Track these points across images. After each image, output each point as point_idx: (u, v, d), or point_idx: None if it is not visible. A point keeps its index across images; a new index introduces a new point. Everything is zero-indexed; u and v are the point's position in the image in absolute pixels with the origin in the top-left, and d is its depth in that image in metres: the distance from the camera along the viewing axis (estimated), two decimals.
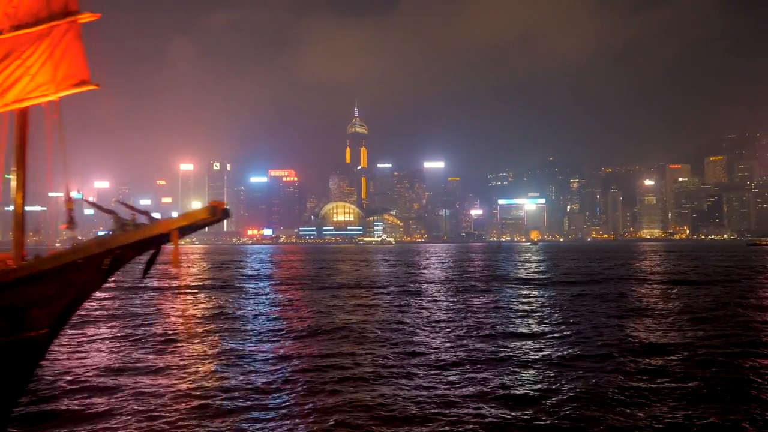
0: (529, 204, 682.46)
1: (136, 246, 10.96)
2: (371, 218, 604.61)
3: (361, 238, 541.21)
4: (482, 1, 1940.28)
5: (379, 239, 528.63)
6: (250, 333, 27.54)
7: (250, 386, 17.69)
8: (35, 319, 11.36)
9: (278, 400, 16.38)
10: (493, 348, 23.23)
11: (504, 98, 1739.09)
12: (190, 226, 10.86)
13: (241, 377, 18.80)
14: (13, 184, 12.76)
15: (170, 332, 27.94)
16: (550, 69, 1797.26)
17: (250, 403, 16.17)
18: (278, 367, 20.04)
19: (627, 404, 15.90)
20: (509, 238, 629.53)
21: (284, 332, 27.56)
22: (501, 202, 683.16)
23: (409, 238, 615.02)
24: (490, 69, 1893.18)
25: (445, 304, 39.09)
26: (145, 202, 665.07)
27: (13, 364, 11.49)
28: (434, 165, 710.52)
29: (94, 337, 26.56)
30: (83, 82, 11.94)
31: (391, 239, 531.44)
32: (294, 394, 16.94)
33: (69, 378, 19.05)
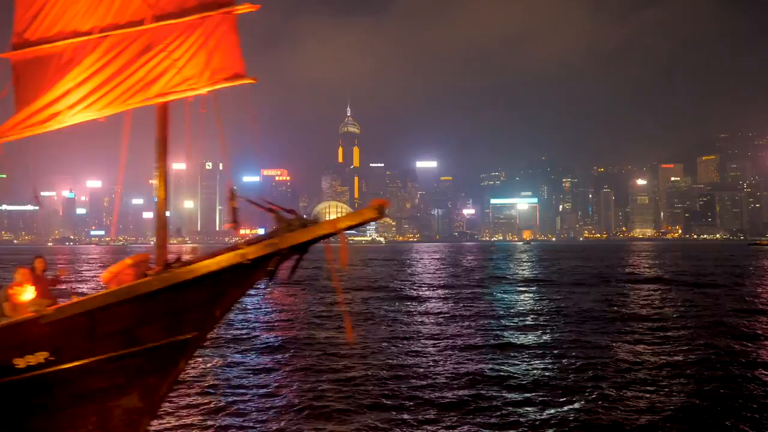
0: (522, 203, 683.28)
1: (302, 246, 10.59)
2: None
3: (351, 238, 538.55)
4: (475, 1, 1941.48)
5: (370, 239, 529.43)
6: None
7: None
8: (190, 322, 11.10)
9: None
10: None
11: (496, 98, 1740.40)
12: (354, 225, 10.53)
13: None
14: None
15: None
16: (543, 69, 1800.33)
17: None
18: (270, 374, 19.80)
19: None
20: (501, 238, 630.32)
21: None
22: (493, 201, 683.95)
23: (401, 238, 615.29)
24: (482, 69, 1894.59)
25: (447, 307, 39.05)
26: (137, 202, 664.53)
27: (165, 365, 11.23)
28: (427, 164, 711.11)
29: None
30: (237, 75, 11.47)
31: (381, 239, 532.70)
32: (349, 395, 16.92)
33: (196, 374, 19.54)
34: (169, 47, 11.35)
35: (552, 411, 15.53)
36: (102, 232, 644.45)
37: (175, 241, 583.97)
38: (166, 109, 11.60)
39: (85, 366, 10.57)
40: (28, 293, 12.37)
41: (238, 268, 10.65)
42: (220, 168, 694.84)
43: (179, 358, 11.52)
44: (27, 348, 10.41)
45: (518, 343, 24.48)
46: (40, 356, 10.40)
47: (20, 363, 10.42)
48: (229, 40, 11.47)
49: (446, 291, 49.56)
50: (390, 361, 20.99)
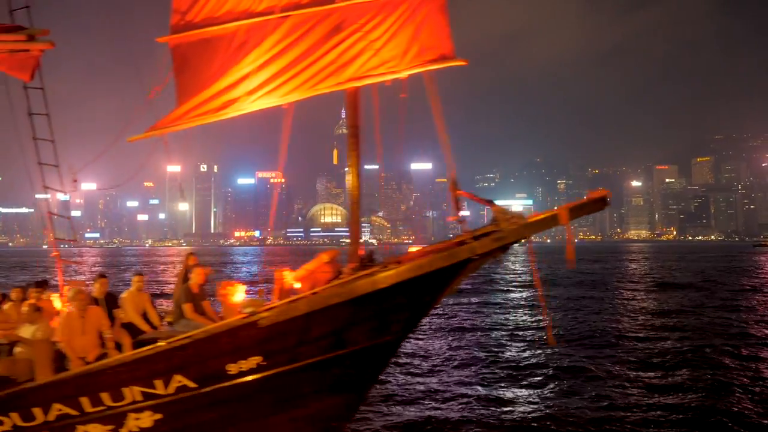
0: (517, 205, 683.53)
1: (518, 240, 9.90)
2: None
3: (344, 240, 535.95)
4: (471, 1, 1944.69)
5: (362, 241, 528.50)
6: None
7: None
8: (397, 323, 10.62)
9: None
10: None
11: (491, 99, 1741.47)
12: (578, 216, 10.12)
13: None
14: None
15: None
16: (538, 70, 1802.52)
17: None
18: None
19: None
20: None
21: None
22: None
23: (396, 240, 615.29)
24: (477, 70, 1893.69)
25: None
26: (132, 204, 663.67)
27: (367, 369, 10.92)
28: (421, 166, 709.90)
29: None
30: (444, 57, 10.57)
31: (374, 241, 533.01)
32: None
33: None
34: (365, 27, 10.57)
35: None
36: (97, 235, 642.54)
37: (170, 244, 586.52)
38: (357, 94, 11.14)
39: (292, 371, 10.14)
40: (240, 293, 12.05)
41: (457, 265, 9.96)
42: (215, 170, 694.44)
43: (382, 362, 11.28)
44: (242, 353, 9.94)
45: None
46: (253, 361, 9.94)
47: (233, 369, 9.97)
48: (437, 17, 10.64)
49: None
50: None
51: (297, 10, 10.68)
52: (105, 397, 9.72)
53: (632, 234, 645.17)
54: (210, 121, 11.11)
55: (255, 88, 10.84)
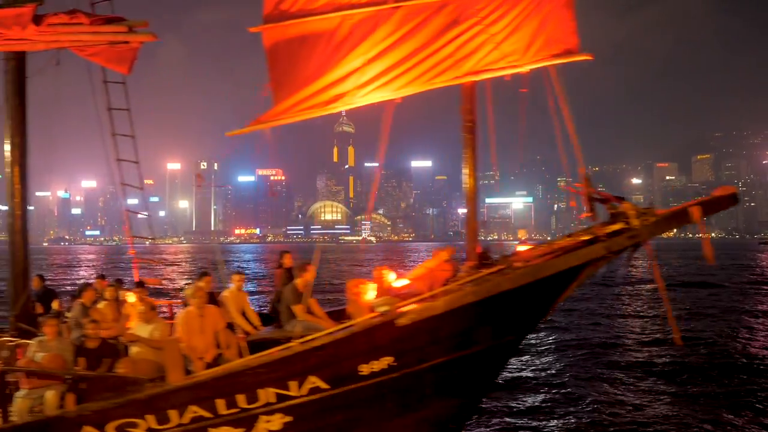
0: (517, 203, 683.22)
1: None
2: (359, 217, 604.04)
3: (343, 238, 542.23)
4: None
5: (361, 238, 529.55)
6: None
7: None
8: (523, 322, 10.51)
9: None
10: None
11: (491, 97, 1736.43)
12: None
13: None
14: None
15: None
16: (537, 68, 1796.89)
17: None
18: None
19: None
20: (497, 237, 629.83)
21: None
22: (488, 201, 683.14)
23: (396, 237, 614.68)
24: None
25: None
26: (132, 202, 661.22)
27: (488, 369, 10.78)
28: (421, 164, 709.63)
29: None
30: (569, 51, 10.26)
31: (372, 238, 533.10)
32: None
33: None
34: (486, 20, 10.19)
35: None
36: (97, 232, 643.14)
37: (170, 241, 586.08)
38: (473, 89, 10.80)
39: (419, 372, 9.88)
40: (372, 291, 11.66)
41: (585, 263, 9.64)
42: (215, 168, 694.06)
43: (503, 362, 11.10)
44: (376, 353, 9.67)
45: None
46: (385, 362, 9.68)
47: (364, 369, 9.68)
48: (564, 9, 10.29)
49: None
50: None
51: (409, 1, 10.37)
52: (240, 398, 9.52)
53: None
54: (317, 115, 10.90)
55: (366, 82, 10.60)
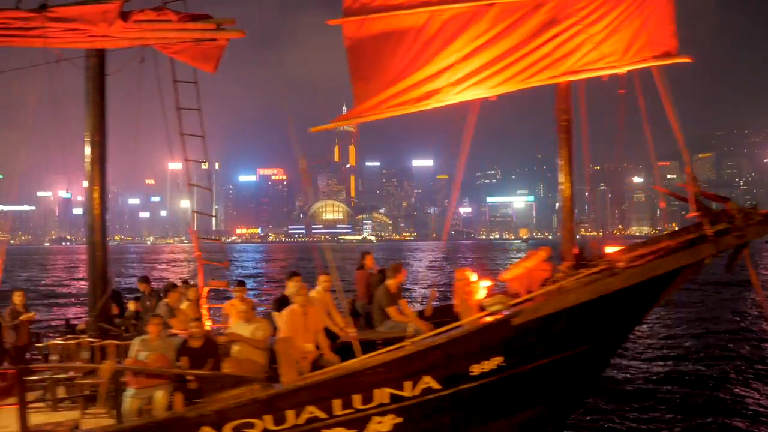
0: (518, 202, 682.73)
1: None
2: (360, 216, 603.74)
3: (343, 237, 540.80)
4: None
5: (360, 238, 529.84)
6: None
7: None
8: (624, 323, 10.49)
9: None
10: None
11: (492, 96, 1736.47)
12: None
13: None
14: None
15: None
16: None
17: None
18: None
19: None
20: (498, 236, 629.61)
21: None
22: (490, 200, 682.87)
23: (398, 237, 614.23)
24: None
25: None
26: (133, 201, 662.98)
27: (589, 370, 10.68)
28: (423, 163, 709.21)
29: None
30: (668, 53, 10.28)
31: (372, 237, 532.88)
32: None
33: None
34: (586, 20, 10.21)
35: None
36: None
37: (171, 241, 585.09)
38: (569, 88, 10.89)
39: (525, 372, 9.81)
40: (482, 290, 11.59)
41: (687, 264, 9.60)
42: (216, 167, 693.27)
43: (604, 363, 11.02)
44: (487, 353, 9.57)
45: None
46: (494, 362, 9.58)
47: (475, 369, 9.56)
48: (665, 10, 10.29)
49: None
50: None
51: None
52: (356, 399, 9.42)
53: (634, 230, 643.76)
54: (408, 112, 10.83)
55: (460, 79, 10.54)
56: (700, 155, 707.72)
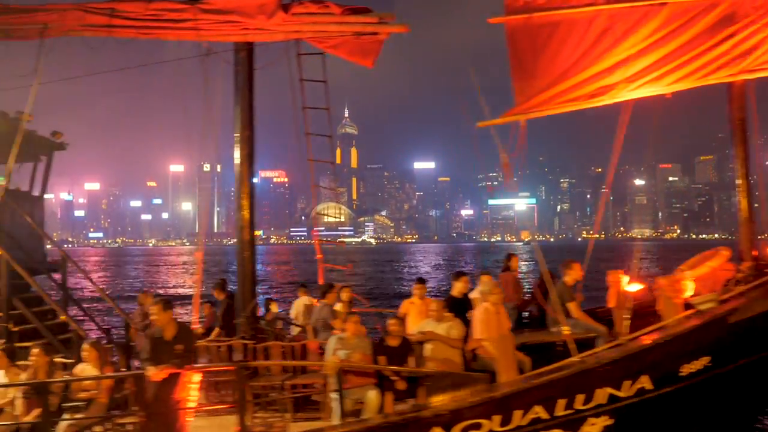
0: (520, 204, 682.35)
1: None
2: (362, 219, 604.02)
3: (342, 239, 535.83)
4: (473, 2, 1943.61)
5: (360, 240, 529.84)
6: None
7: None
8: None
9: None
10: None
11: (494, 98, 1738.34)
12: None
13: None
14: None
15: None
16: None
17: None
18: None
19: None
20: (500, 238, 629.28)
21: None
22: (491, 202, 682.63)
23: (399, 239, 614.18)
24: (480, 70, 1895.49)
25: None
26: (135, 204, 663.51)
27: None
28: (424, 165, 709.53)
29: None
30: None
31: (372, 240, 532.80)
32: None
33: None
34: (764, 19, 10.16)
35: None
36: (100, 234, 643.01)
37: (173, 243, 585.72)
38: (744, 87, 10.94)
39: (728, 373, 9.54)
40: (690, 289, 11.29)
41: None
42: (218, 169, 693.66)
43: None
44: (697, 352, 9.35)
45: None
46: (702, 362, 9.35)
47: (685, 370, 9.36)
48: None
49: None
50: None
51: None
52: (579, 399, 9.16)
53: (635, 232, 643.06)
54: (580, 108, 10.87)
55: (636, 77, 10.55)
56: (701, 157, 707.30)
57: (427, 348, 10.76)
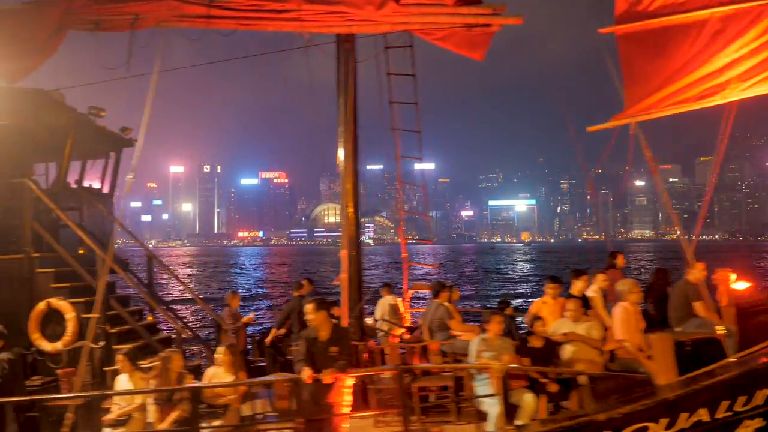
0: (520, 205, 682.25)
1: None
2: (362, 220, 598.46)
3: (339, 240, 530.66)
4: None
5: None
6: None
7: None
8: None
9: None
10: None
11: (494, 100, 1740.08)
12: None
13: None
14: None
15: None
16: (540, 70, 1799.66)
17: None
18: None
19: None
20: (500, 240, 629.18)
21: None
22: (491, 203, 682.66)
23: (399, 240, 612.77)
24: (480, 71, 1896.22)
25: None
26: (135, 205, 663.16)
27: None
28: (424, 167, 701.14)
29: None
30: None
31: (370, 241, 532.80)
32: None
33: None
34: None
35: None
36: None
37: (173, 244, 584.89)
38: None
39: None
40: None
41: None
42: (218, 170, 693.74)
43: None
44: None
45: None
46: None
47: None
48: None
49: None
50: None
51: None
52: (740, 400, 8.86)
53: (636, 234, 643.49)
54: (691, 109, 10.80)
55: (747, 75, 10.40)
56: (701, 159, 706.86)
57: (568, 349, 10.55)
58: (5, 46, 11.53)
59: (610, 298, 11.97)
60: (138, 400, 10.06)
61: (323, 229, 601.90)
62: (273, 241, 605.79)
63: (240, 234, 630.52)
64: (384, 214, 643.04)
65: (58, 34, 11.60)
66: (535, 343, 10.30)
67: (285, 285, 67.01)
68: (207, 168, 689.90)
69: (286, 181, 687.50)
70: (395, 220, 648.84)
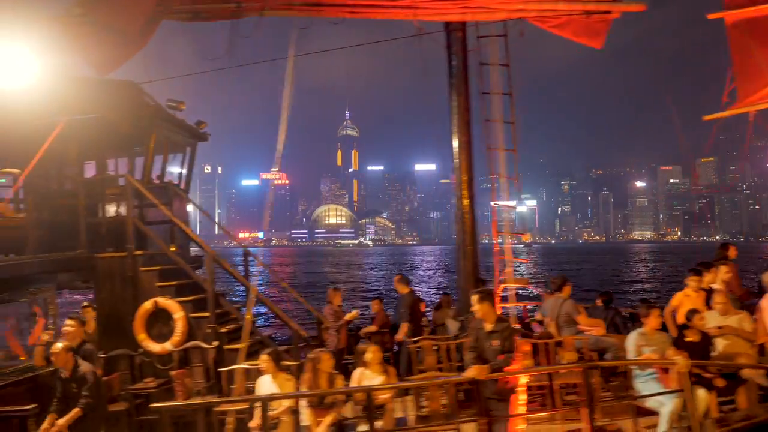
0: (521, 206, 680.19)
1: None
2: (363, 221, 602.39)
3: (340, 242, 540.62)
4: None
5: (357, 242, 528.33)
6: None
7: None
8: None
9: None
10: None
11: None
12: None
13: None
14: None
15: None
16: (541, 72, 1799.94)
17: None
18: None
19: None
20: (500, 240, 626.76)
21: None
22: (492, 204, 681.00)
23: (400, 241, 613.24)
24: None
25: None
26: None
27: None
28: (426, 167, 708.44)
29: None
30: None
31: (369, 242, 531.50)
32: None
33: None
34: None
35: None
36: None
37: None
38: None
39: None
40: None
41: None
42: (219, 171, 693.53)
43: None
44: None
45: None
46: None
47: None
48: None
49: None
50: None
51: None
52: None
53: (636, 235, 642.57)
54: None
55: None
56: (702, 159, 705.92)
57: (720, 343, 10.28)
58: (97, 34, 11.11)
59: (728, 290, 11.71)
60: (286, 403, 9.64)
61: (324, 230, 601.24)
62: (274, 242, 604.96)
63: (240, 235, 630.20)
64: (385, 215, 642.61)
65: (152, 24, 11.31)
66: (693, 337, 10.00)
67: (302, 287, 66.91)
68: (208, 169, 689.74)
69: (287, 182, 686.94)
70: (396, 220, 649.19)
